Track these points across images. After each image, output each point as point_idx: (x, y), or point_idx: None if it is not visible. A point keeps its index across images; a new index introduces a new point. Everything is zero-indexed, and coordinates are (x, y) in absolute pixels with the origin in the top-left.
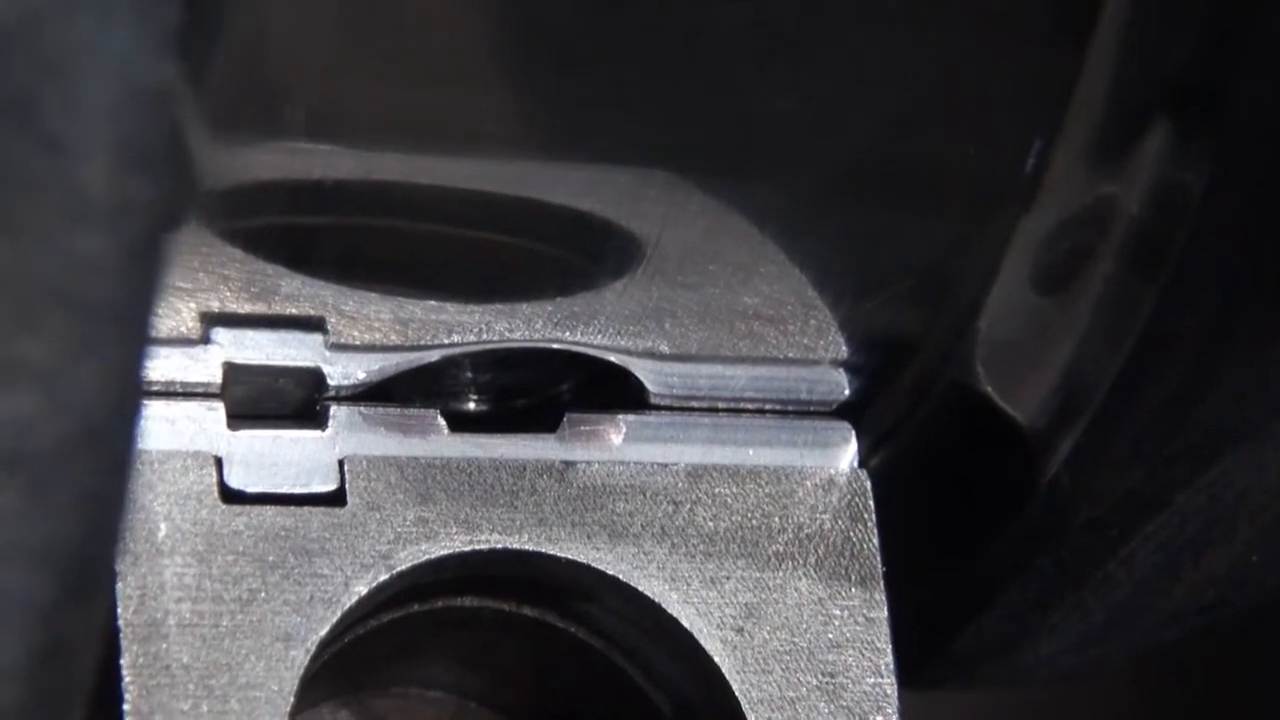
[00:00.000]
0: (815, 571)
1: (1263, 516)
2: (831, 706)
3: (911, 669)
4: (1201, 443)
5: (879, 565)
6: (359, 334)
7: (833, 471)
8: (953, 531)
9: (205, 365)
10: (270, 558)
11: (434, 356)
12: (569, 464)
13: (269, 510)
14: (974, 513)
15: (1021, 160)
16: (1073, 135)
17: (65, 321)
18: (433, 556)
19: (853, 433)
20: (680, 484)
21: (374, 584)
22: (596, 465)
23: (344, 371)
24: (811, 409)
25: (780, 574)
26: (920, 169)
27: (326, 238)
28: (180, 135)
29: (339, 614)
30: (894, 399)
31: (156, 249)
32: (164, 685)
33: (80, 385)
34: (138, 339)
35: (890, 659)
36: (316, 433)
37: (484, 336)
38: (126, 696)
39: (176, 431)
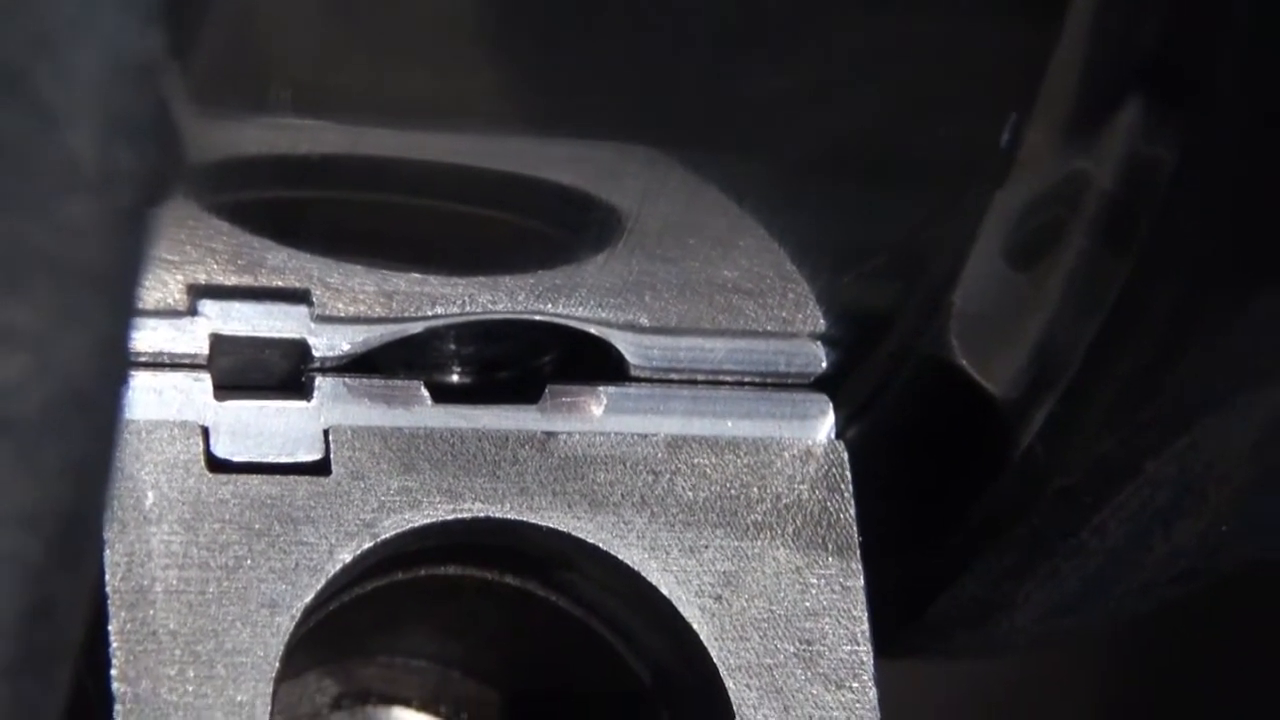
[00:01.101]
0: (793, 541)
1: (1230, 485)
2: (808, 673)
3: (887, 637)
4: (1171, 412)
5: (855, 535)
6: (344, 306)
7: (810, 443)
8: (928, 502)
9: (192, 336)
10: (256, 525)
11: (418, 328)
12: (550, 434)
13: (255, 479)
14: (949, 483)
15: (996, 136)
16: (1047, 111)
17: (53, 287)
18: (416, 525)
19: (830, 405)
20: (660, 454)
21: (358, 552)
22: (577, 436)
23: (329, 343)
24: (789, 381)
25: (758, 543)
26: (896, 145)
27: (312, 212)
28: (167, 108)
29: (324, 581)
30: (870, 372)
31: (143, 218)
32: (151, 651)
33: (67, 351)
34: (124, 306)
35: (866, 627)
36: (302, 403)
37: (467, 309)
38: (114, 661)
39: (163, 401)
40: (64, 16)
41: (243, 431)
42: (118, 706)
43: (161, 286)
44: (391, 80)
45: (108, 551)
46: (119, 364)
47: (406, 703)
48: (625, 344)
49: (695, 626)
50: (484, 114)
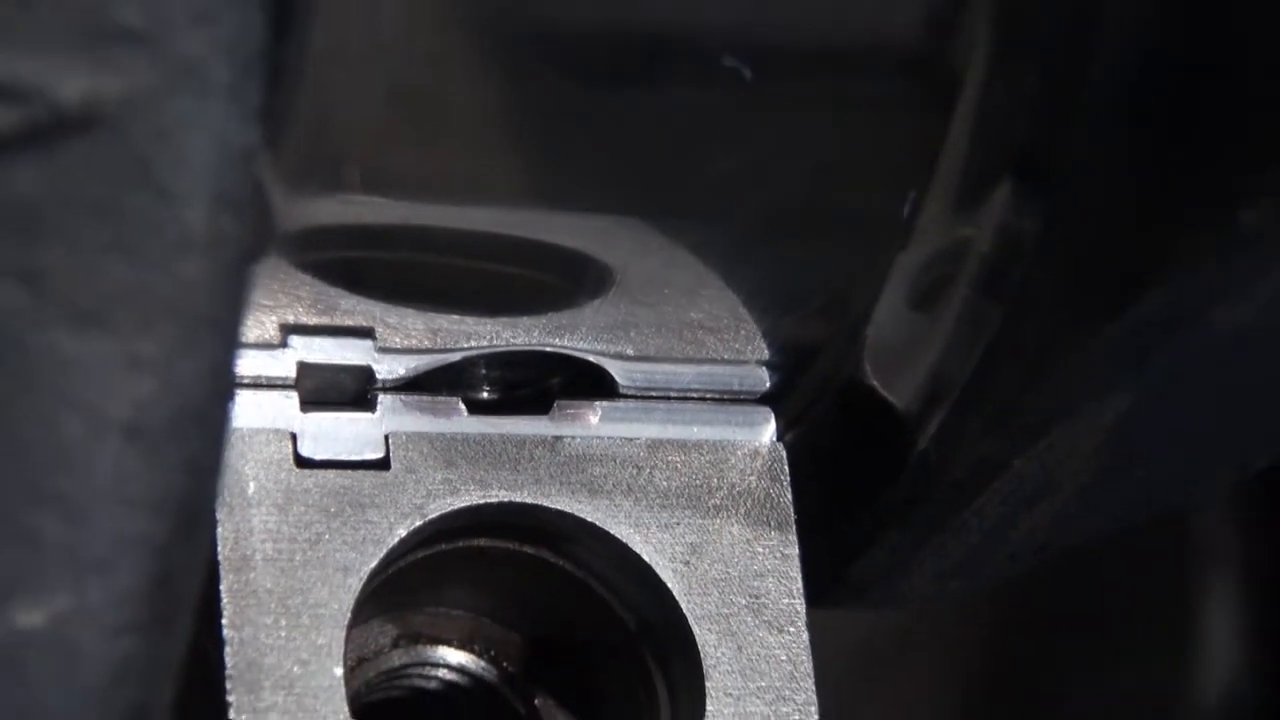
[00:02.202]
0: (744, 520)
1: (1079, 477)
2: (756, 621)
3: (816, 593)
4: (1034, 422)
5: (792, 515)
6: (400, 340)
7: (757, 444)
8: (847, 490)
9: (283, 364)
10: (332, 509)
11: (456, 357)
12: (558, 438)
13: (331, 473)
14: (863, 476)
15: (899, 209)
16: (939, 190)
17: (174, 326)
18: (456, 507)
19: (772, 415)
20: (642, 453)
21: (411, 528)
22: (579, 439)
23: (389, 369)
24: (741, 397)
25: (717, 521)
26: (824, 215)
27: (375, 267)
28: (262, 187)
29: (385, 551)
30: (804, 390)
31: (244, 273)
32: (252, 605)
33: (185, 375)
34: (230, 341)
35: (800, 585)
36: (368, 415)
37: (494, 342)
38: (224, 613)
39: (262, 414)
40: (181, 115)
41: (322, 437)
42: (227, 648)
43: (259, 325)
44: (436, 167)
45: (219, 529)
46: (226, 385)
47: (449, 643)
48: (615, 369)
49: (669, 585)
50: (507, 193)
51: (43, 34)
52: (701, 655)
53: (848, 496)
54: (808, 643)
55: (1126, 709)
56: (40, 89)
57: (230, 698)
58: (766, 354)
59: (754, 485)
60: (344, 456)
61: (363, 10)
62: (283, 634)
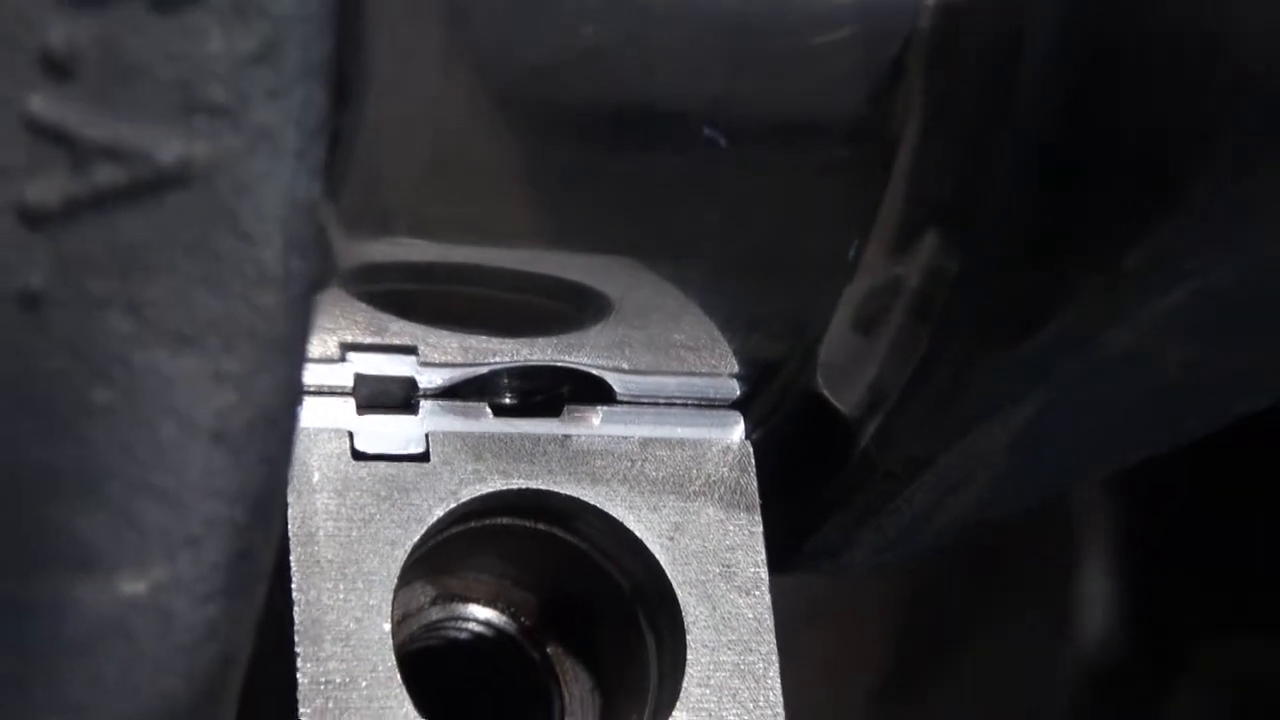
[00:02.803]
0: (718, 503)
1: (993, 470)
2: (728, 586)
3: (776, 563)
4: (956, 424)
5: (757, 500)
6: (438, 356)
7: (729, 442)
8: (802, 480)
9: (342, 375)
10: (382, 494)
11: (485, 370)
12: (567, 437)
13: (381, 465)
14: (815, 468)
15: (845, 252)
16: (878, 236)
17: (253, 348)
18: (483, 492)
19: (741, 418)
20: (635, 449)
21: (447, 509)
22: (584, 437)
23: (429, 380)
24: (716, 404)
25: (696, 504)
26: (784, 256)
27: (418, 297)
28: (324, 232)
29: (425, 528)
30: (767, 398)
31: (309, 302)
32: (316, 573)
33: (261, 387)
34: (298, 358)
35: (764, 556)
36: (412, 417)
37: (514, 358)
38: (293, 580)
39: (324, 416)
40: (258, 173)
41: (374, 435)
42: (296, 608)
43: (322, 344)
44: (468, 215)
45: (289, 511)
46: (295, 394)
47: (478, 601)
48: (614, 380)
49: (657, 556)
50: (526, 236)
51: (145, 107)
52: (683, 614)
53: (803, 485)
54: (769, 603)
55: (1022, 654)
56: (143, 151)
57: (298, 649)
58: (737, 368)
59: (726, 476)
60: (392, 451)
61: (408, 87)
62: (341, 596)
